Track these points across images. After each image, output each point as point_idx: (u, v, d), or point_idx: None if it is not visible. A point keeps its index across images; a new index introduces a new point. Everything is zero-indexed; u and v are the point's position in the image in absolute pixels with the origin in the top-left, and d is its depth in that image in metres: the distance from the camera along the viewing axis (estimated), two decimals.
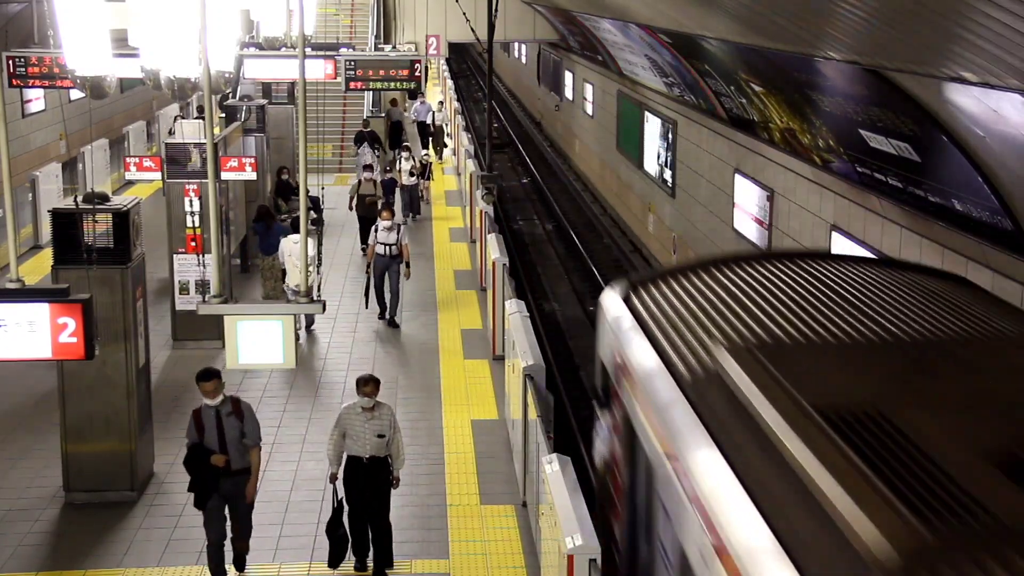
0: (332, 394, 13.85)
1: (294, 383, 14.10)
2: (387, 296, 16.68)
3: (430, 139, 31.25)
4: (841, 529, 3.31)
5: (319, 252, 17.32)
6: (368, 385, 9.57)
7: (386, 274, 16.61)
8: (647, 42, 17.39)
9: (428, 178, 25.46)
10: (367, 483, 9.55)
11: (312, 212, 17.61)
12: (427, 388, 14.10)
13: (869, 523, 3.21)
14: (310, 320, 16.47)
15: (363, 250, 19.90)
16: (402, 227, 16.96)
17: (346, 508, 9.65)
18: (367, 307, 16.69)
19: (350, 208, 21.45)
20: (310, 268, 15.91)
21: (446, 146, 32.06)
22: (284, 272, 16.19)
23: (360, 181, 21.20)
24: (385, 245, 16.55)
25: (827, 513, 3.43)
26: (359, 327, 16.47)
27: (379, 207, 19.08)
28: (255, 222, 18.04)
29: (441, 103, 33.49)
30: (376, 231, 16.66)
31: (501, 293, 14.70)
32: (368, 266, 16.96)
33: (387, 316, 16.63)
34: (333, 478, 9.64)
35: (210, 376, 9.21)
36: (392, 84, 18.80)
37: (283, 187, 20.92)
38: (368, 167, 21.82)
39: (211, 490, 9.28)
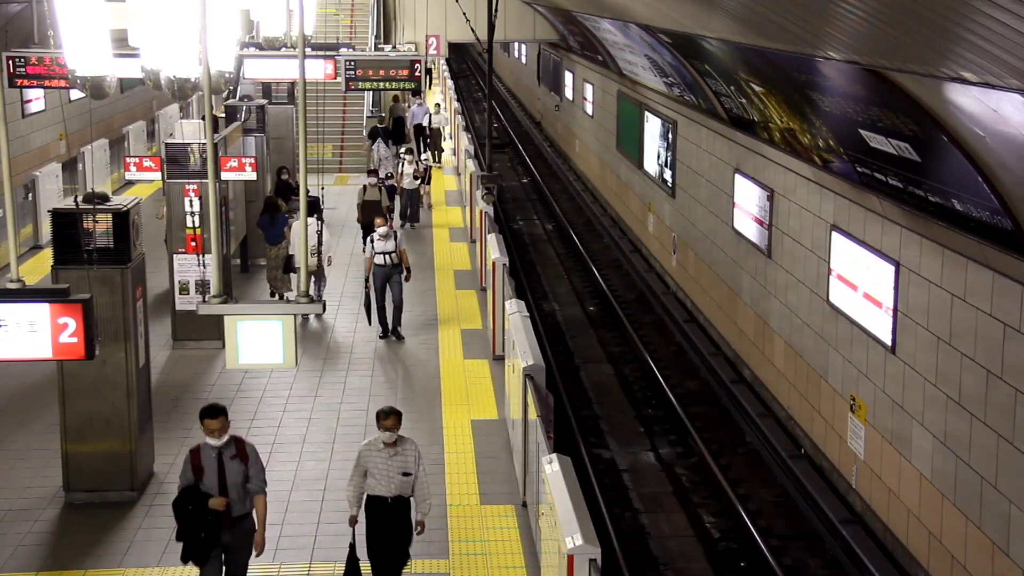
0: (332, 394, 13.85)
1: (294, 383, 14.10)
2: (388, 310, 15.94)
3: (426, 142, 30.42)
4: None
5: (319, 252, 17.36)
6: (389, 418, 8.81)
7: (387, 285, 15.91)
8: (647, 42, 17.39)
9: (427, 182, 25.00)
10: (392, 525, 8.91)
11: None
12: (427, 388, 14.10)
13: None
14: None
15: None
16: (399, 233, 16.24)
17: (359, 557, 9.02)
18: (370, 324, 15.93)
19: (359, 220, 20.75)
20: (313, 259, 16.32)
21: (442, 150, 31.47)
22: (290, 259, 16.70)
23: (365, 187, 20.80)
24: (384, 254, 15.84)
25: None
26: (359, 326, 16.45)
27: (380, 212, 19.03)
28: (262, 214, 18.34)
29: (439, 105, 33.10)
30: (372, 241, 15.96)
31: (501, 293, 14.70)
32: (367, 280, 16.06)
33: (389, 332, 15.93)
34: (353, 521, 8.98)
35: (216, 413, 8.46)
36: (392, 84, 18.79)
37: (283, 187, 20.91)
38: (372, 172, 21.52)
39: (204, 540, 8.52)
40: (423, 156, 26.26)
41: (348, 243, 21.32)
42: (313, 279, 16.80)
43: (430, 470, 11.54)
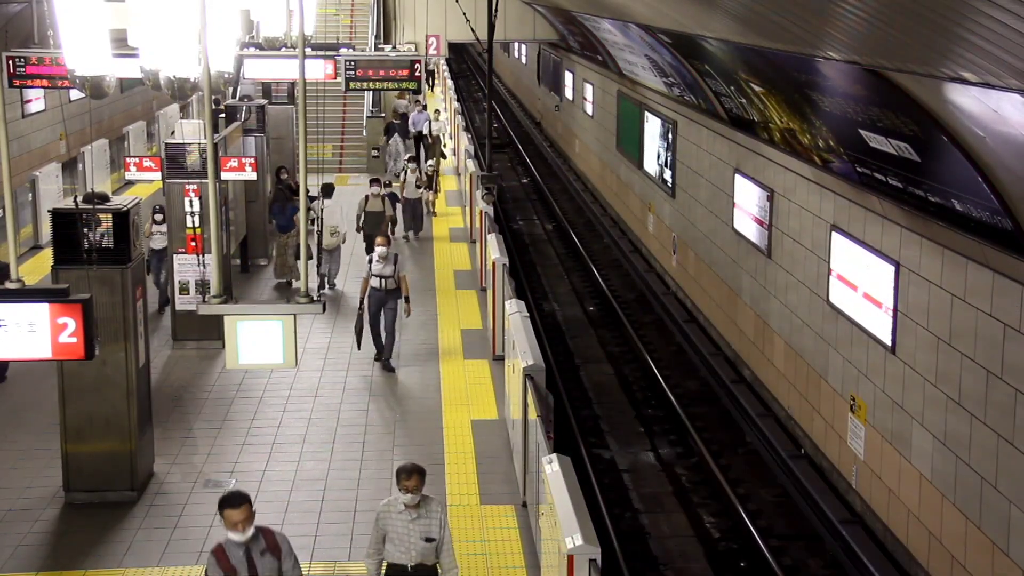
0: (332, 394, 13.85)
1: (294, 383, 14.10)
2: (383, 339, 14.85)
3: (426, 150, 29.22)
4: None
5: (319, 252, 17.43)
6: (412, 478, 7.87)
7: (381, 311, 14.75)
8: (647, 42, 17.39)
9: (434, 190, 24.50)
10: None
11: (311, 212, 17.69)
12: (427, 388, 14.10)
13: None
14: (332, 281, 18.26)
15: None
16: (399, 257, 14.91)
17: None
18: (359, 348, 14.76)
19: (357, 230, 20.00)
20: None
21: (444, 157, 30.28)
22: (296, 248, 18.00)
23: (367, 197, 20.24)
24: (380, 278, 14.59)
25: None
26: (356, 320, 16.43)
27: (384, 226, 19.01)
28: (273, 201, 19.01)
29: (438, 111, 32.64)
30: (370, 262, 14.78)
31: (501, 293, 14.70)
32: (361, 303, 14.82)
33: (383, 358, 14.78)
34: None
35: (239, 501, 7.18)
36: (392, 84, 18.79)
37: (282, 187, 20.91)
38: (375, 181, 21.15)
39: None
40: (428, 163, 25.86)
41: (348, 243, 21.27)
42: (323, 259, 17.24)
43: (430, 470, 11.54)
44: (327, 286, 18.21)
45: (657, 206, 21.76)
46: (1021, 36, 5.60)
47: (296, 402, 13.57)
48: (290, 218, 18.32)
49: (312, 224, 17.19)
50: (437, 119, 30.94)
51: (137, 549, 10.05)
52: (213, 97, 9.70)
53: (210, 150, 8.24)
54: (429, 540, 7.88)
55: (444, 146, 31.26)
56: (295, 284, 17.96)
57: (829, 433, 12.75)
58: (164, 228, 16.79)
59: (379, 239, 14.95)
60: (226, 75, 10.30)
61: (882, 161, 9.93)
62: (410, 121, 30.40)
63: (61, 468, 10.98)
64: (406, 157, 25.13)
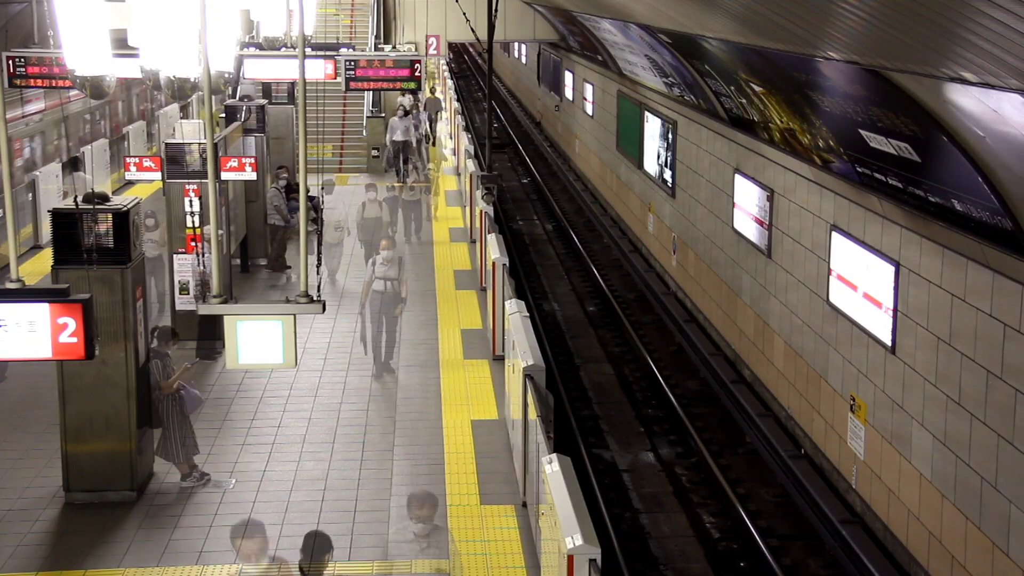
0: (332, 394, 13.85)
1: (294, 383, 14.10)
2: (383, 341, 14.59)
3: (426, 152, 29.04)
4: None
5: (319, 252, 17.40)
6: (423, 508, 8.01)
7: (382, 316, 14.56)
8: (647, 42, 17.39)
9: (433, 193, 24.31)
10: None
11: (311, 212, 17.70)
12: (427, 388, 14.10)
13: None
14: (332, 274, 18.54)
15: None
16: (403, 260, 14.85)
17: None
18: (367, 353, 14.72)
19: (358, 237, 19.87)
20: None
21: (445, 159, 30.34)
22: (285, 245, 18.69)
23: (364, 204, 20.16)
24: (385, 280, 14.55)
25: None
26: (359, 326, 16.43)
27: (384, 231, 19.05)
28: (272, 203, 19.52)
29: (438, 111, 32.42)
30: (373, 264, 14.68)
31: (501, 293, 14.70)
32: (362, 307, 14.82)
33: (381, 363, 14.52)
34: None
35: (254, 533, 7.23)
36: (392, 84, 18.81)
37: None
38: (371, 187, 21.02)
39: None
40: (428, 165, 25.75)
41: (347, 242, 21.26)
42: (323, 256, 17.39)
43: (431, 471, 11.57)
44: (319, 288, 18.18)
45: (657, 206, 21.76)
46: (1021, 36, 5.61)
47: (296, 402, 13.57)
48: (287, 218, 18.58)
49: (314, 224, 17.15)
50: (440, 119, 30.75)
51: (137, 549, 10.05)
52: (216, 97, 9.74)
53: (210, 150, 8.24)
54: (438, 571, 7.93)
55: (444, 147, 31.18)
56: (292, 278, 18.12)
57: (829, 433, 12.75)
58: (155, 235, 16.77)
59: (384, 242, 14.85)
60: (226, 75, 10.31)
61: (882, 161, 9.93)
62: (413, 120, 30.23)
63: (61, 468, 10.99)
64: (402, 158, 25.12)
